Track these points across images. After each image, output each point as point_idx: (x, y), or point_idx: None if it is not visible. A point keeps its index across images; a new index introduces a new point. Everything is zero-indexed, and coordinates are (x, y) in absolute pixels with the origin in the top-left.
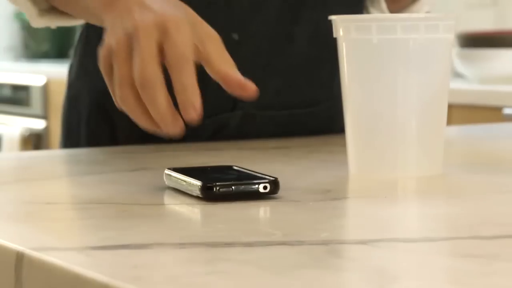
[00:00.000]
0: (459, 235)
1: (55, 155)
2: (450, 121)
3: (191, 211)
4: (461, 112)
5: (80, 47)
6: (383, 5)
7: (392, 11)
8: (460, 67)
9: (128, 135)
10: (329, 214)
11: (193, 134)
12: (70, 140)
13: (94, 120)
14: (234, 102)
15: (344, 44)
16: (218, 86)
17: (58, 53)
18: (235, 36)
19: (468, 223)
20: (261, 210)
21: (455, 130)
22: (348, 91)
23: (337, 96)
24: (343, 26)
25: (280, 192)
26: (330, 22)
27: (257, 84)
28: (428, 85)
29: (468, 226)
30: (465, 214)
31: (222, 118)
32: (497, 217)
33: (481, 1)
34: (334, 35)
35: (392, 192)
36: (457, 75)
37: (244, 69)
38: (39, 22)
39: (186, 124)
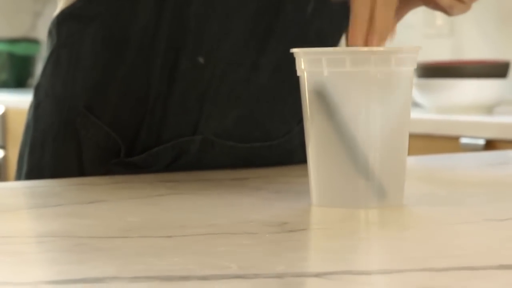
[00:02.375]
0: (413, 267)
1: (11, 187)
2: (408, 151)
3: (147, 244)
4: (419, 142)
5: (50, 67)
6: None
7: None
8: (418, 96)
9: (93, 153)
10: (285, 247)
11: (152, 161)
12: (32, 159)
13: (62, 138)
14: (195, 127)
15: (302, 76)
16: (179, 110)
17: (16, 83)
18: (201, 60)
19: (423, 255)
20: (217, 243)
21: (413, 160)
22: (309, 123)
23: (298, 130)
24: (300, 58)
25: (237, 224)
26: (289, 56)
27: (219, 111)
28: (390, 117)
29: (422, 258)
30: (420, 246)
31: (182, 143)
32: (451, 249)
33: (438, 31)
34: (297, 68)
35: (350, 224)
36: (415, 104)
37: (208, 95)
38: None
39: (151, 155)
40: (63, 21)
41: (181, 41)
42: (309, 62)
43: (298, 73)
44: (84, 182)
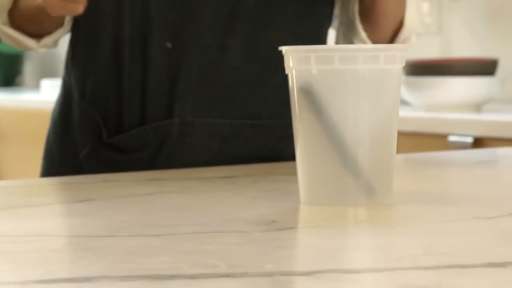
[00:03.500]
0: (402, 265)
1: (1, 186)
2: (396, 149)
3: (136, 243)
4: (407, 140)
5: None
6: (363, 35)
7: (373, 40)
8: (406, 94)
9: (86, 138)
10: (274, 245)
11: (138, 145)
12: (46, 145)
13: (64, 127)
14: (170, 109)
15: (291, 74)
16: (156, 94)
17: (4, 81)
18: (168, 45)
19: (411, 253)
20: (206, 241)
21: (402, 158)
22: (298, 121)
23: (286, 118)
24: (288, 56)
25: (225, 223)
26: (269, 40)
27: (192, 93)
28: (378, 115)
29: (411, 256)
30: (409, 244)
31: (161, 126)
32: (440, 247)
33: (427, 29)
34: (285, 66)
35: (339, 222)
36: (403, 102)
37: (179, 78)
38: (41, 50)
39: (131, 136)
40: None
41: (146, 28)
42: (297, 60)
43: (287, 71)
44: (73, 181)
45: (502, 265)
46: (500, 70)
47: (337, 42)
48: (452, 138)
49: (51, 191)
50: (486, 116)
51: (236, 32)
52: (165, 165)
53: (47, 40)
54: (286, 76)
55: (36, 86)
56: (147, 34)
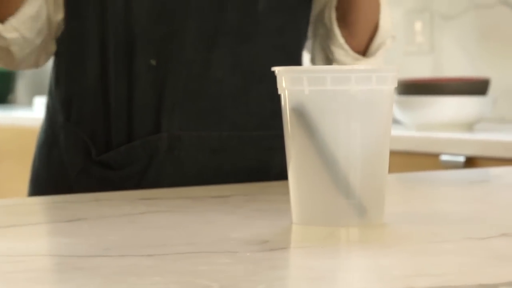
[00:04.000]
0: (394, 286)
1: None
2: (388, 168)
3: (128, 263)
4: (399, 159)
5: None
6: (341, 40)
7: (352, 45)
8: (398, 113)
9: (74, 159)
10: (266, 266)
11: (128, 162)
12: (32, 169)
13: (49, 151)
14: (158, 124)
15: (283, 94)
16: (142, 110)
17: None
18: (153, 61)
19: (403, 274)
20: (198, 262)
21: (393, 178)
22: (290, 140)
23: (273, 129)
24: (281, 77)
25: (218, 243)
26: (252, 53)
27: (179, 107)
28: (370, 135)
29: (402, 276)
30: (400, 265)
31: (149, 141)
32: (431, 267)
33: (418, 48)
34: (278, 86)
35: (331, 242)
36: (395, 121)
37: (165, 93)
38: (10, 34)
39: (120, 153)
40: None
41: (130, 46)
42: (290, 80)
43: (279, 91)
44: (64, 200)
45: (494, 286)
46: (492, 89)
47: (312, 59)
48: (444, 158)
49: (41, 210)
50: (478, 136)
51: (220, 46)
52: (155, 180)
53: (14, 21)
54: (270, 88)
55: (28, 104)
56: (131, 52)
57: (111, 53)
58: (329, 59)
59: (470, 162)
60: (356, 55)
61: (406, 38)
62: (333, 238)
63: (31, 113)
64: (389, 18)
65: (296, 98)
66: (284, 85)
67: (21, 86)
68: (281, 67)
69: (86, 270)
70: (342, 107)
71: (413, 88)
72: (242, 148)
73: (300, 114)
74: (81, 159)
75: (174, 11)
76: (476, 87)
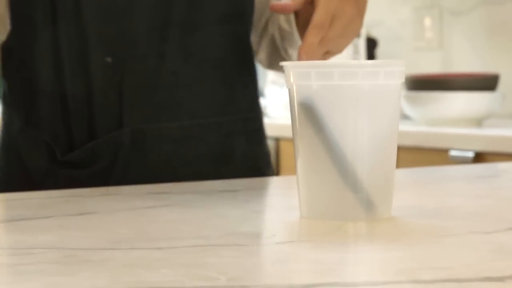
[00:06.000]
0: (401, 279)
1: (0, 199)
2: (397, 163)
3: (137, 256)
4: (408, 154)
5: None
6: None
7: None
8: (407, 109)
9: (36, 163)
10: (273, 259)
11: (93, 159)
12: None
13: (7, 158)
14: (119, 119)
15: (291, 89)
16: (102, 108)
17: None
18: (108, 59)
19: (409, 267)
20: (206, 255)
21: (402, 173)
22: (298, 135)
23: (230, 114)
24: (289, 71)
25: (226, 237)
26: (202, 42)
27: (138, 101)
28: (377, 130)
29: (409, 270)
30: (407, 258)
31: (113, 137)
32: (438, 261)
33: (428, 44)
34: (285, 81)
35: (338, 236)
36: (404, 117)
37: (123, 88)
38: None
39: (85, 151)
40: None
41: (84, 46)
42: (298, 75)
43: (287, 86)
44: (74, 194)
45: (500, 279)
46: (501, 85)
47: (256, 51)
48: (453, 153)
49: (51, 204)
50: (487, 131)
51: (171, 38)
52: (123, 174)
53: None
54: (224, 74)
55: None
56: (85, 51)
57: (65, 54)
58: (276, 55)
59: (479, 157)
60: None
61: (415, 34)
62: (340, 232)
63: None
64: None
65: (304, 92)
66: (292, 79)
67: None
68: (289, 62)
69: (96, 263)
70: (349, 101)
71: (422, 83)
72: (203, 135)
73: (308, 108)
74: (45, 161)
75: (123, 8)
76: (485, 82)
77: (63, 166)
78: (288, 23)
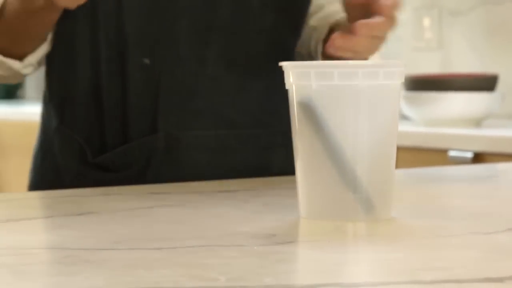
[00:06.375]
0: (400, 279)
1: (1, 199)
2: (396, 164)
3: (136, 256)
4: (407, 155)
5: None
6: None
7: None
8: (406, 109)
9: (69, 163)
10: (273, 259)
11: (125, 163)
12: (30, 176)
13: (43, 157)
14: (154, 124)
15: (291, 89)
16: (137, 111)
17: (5, 94)
18: (146, 60)
19: (410, 267)
20: (206, 255)
21: (401, 173)
22: (297, 135)
23: (271, 127)
24: (288, 71)
25: (225, 237)
26: (247, 49)
27: (174, 106)
28: (377, 130)
29: (409, 270)
30: (407, 259)
31: (146, 142)
32: (438, 261)
33: (427, 44)
34: (285, 81)
35: (338, 236)
36: (403, 117)
37: (160, 92)
38: (26, 70)
39: (117, 155)
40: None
41: (122, 46)
42: (297, 75)
43: (287, 86)
44: (74, 194)
45: (499, 280)
46: (500, 85)
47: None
48: (452, 153)
49: (50, 204)
50: (486, 132)
51: (213, 43)
52: (154, 182)
53: (31, 58)
54: (267, 85)
55: (37, 99)
56: (124, 52)
57: (103, 53)
58: None
59: (478, 158)
60: None
61: (414, 34)
62: (340, 232)
63: (40, 108)
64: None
65: (304, 93)
66: (291, 80)
67: (30, 81)
68: (288, 62)
69: (95, 263)
70: (349, 102)
71: (421, 84)
72: (241, 147)
73: (308, 109)
74: (76, 162)
75: (166, 9)
76: (484, 83)
77: (94, 169)
78: (314, 48)
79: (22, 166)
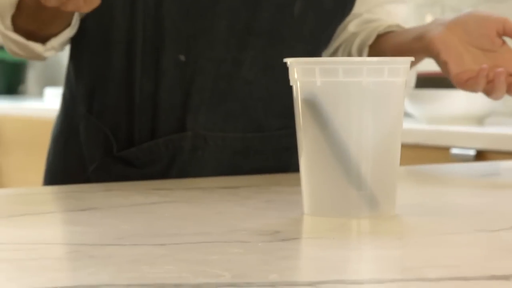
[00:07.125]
0: (405, 277)
1: (5, 194)
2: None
3: (140, 252)
4: (410, 152)
5: (65, 80)
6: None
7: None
8: (409, 107)
9: (93, 153)
10: (277, 256)
11: (150, 160)
12: (47, 163)
13: (66, 143)
14: (182, 122)
15: (295, 85)
16: (167, 107)
17: (7, 89)
18: (182, 57)
19: (415, 265)
20: (210, 251)
21: (404, 170)
22: (302, 132)
23: (291, 127)
24: (293, 68)
25: (229, 233)
26: (285, 56)
27: (205, 106)
28: (382, 127)
29: (414, 268)
30: (412, 256)
31: (173, 140)
32: (443, 259)
33: None
34: (290, 77)
35: (342, 233)
36: (406, 115)
37: (192, 91)
38: (48, 53)
39: (142, 150)
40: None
41: (159, 40)
42: (302, 72)
43: (291, 83)
44: (77, 190)
45: (505, 277)
46: None
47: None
48: (454, 151)
49: (54, 199)
50: (488, 129)
51: (251, 46)
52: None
53: (54, 42)
54: None
55: (39, 94)
56: (159, 46)
57: (139, 46)
58: None
59: (481, 155)
60: None
61: None
62: (344, 229)
63: (42, 103)
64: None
65: (308, 89)
66: (296, 76)
67: (31, 77)
68: (293, 59)
69: (99, 259)
70: (354, 98)
71: (424, 81)
72: (262, 148)
73: (312, 105)
74: (100, 153)
75: (206, 8)
76: None
77: (118, 162)
78: (358, 53)
79: (23, 162)
